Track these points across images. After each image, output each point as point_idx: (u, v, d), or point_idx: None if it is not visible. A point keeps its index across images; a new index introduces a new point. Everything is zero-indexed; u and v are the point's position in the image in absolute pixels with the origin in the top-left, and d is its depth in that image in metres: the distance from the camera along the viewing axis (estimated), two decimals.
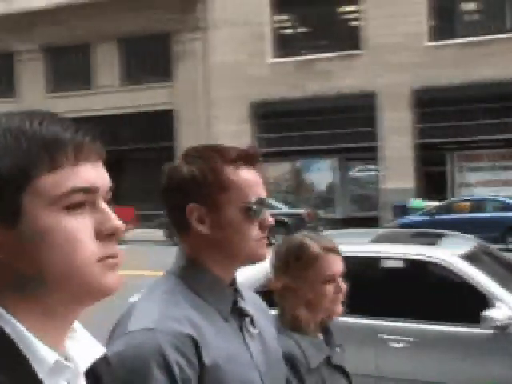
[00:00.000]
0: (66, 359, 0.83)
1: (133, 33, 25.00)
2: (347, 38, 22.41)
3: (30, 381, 0.76)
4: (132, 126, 25.40)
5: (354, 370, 2.09)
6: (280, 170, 23.67)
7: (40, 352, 0.78)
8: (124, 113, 25.25)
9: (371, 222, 18.51)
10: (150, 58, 25.29)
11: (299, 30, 24.45)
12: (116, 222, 0.81)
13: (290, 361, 1.83)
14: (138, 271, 9.16)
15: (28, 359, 0.77)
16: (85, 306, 0.84)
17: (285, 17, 24.21)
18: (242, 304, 1.45)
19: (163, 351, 1.22)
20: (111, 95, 25.52)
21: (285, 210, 19.38)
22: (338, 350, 2.04)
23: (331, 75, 21.94)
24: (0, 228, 0.77)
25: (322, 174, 23.54)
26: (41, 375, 0.77)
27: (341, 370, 1.98)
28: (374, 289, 4.90)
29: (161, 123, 25.21)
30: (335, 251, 1.97)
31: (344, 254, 2.01)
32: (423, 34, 21.45)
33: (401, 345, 4.58)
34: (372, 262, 5.17)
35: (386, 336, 4.63)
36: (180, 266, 1.42)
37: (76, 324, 0.89)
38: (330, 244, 1.97)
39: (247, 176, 1.40)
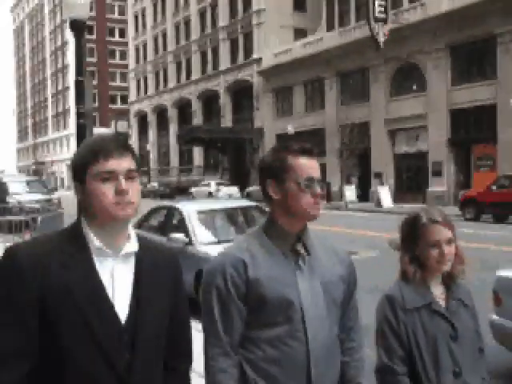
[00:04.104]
0: (119, 251, 1.84)
1: None
2: None
3: (85, 253, 1.82)
4: None
5: None
6: None
7: (93, 241, 1.79)
8: None
9: None
10: None
11: None
12: (122, 187, 1.76)
13: (389, 300, 2.45)
14: None
15: (87, 244, 1.83)
16: (114, 224, 1.78)
17: None
18: (298, 247, 2.17)
19: (223, 265, 2.12)
20: None
21: None
22: (454, 302, 2.49)
23: None
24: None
25: None
26: (93, 252, 1.82)
27: (444, 317, 2.44)
28: None
29: None
30: (441, 223, 2.43)
31: None
32: None
33: None
34: None
35: None
36: (265, 221, 2.26)
37: (132, 234, 1.90)
38: (437, 217, 2.44)
39: (303, 162, 2.13)
